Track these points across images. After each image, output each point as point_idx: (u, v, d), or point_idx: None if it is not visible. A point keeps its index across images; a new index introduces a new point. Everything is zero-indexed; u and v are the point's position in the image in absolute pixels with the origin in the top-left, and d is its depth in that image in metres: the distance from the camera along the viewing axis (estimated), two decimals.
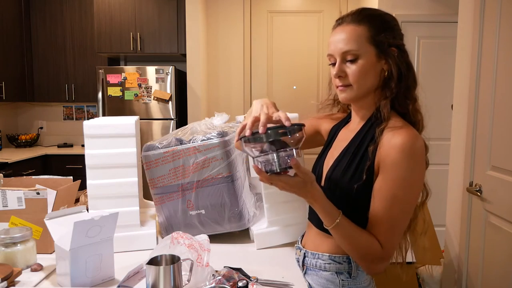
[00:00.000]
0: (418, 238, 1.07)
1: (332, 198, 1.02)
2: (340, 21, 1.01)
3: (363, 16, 0.98)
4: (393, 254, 0.97)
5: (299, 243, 1.17)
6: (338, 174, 1.02)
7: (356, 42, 0.96)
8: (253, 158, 0.93)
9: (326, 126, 1.20)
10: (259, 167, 0.89)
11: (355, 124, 1.08)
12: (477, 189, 1.85)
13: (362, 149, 0.99)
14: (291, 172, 0.90)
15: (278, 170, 0.88)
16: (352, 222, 0.95)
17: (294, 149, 0.90)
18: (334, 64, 1.01)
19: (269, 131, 0.88)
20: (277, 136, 0.88)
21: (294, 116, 1.43)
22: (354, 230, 0.95)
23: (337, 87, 1.02)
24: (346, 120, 1.15)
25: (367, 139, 1.00)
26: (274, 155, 0.88)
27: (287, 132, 0.89)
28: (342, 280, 1.03)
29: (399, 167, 0.91)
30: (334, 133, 1.15)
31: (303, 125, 0.92)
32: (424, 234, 1.07)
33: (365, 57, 0.97)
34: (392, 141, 0.93)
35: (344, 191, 1.00)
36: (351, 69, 0.98)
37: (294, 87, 4.30)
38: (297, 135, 0.90)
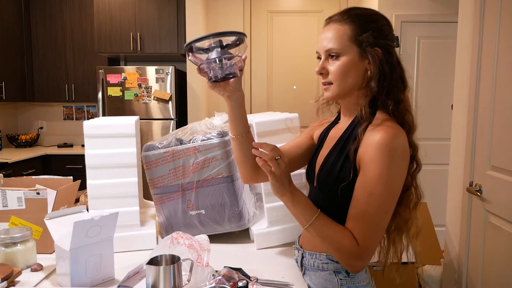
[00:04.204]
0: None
1: (322, 197, 1.03)
2: (328, 20, 1.03)
3: (348, 16, 1.00)
4: (373, 251, 0.94)
5: (297, 243, 1.17)
6: (326, 173, 1.03)
7: (338, 41, 0.98)
8: (198, 66, 1.03)
9: (317, 133, 1.21)
10: (208, 74, 1.01)
11: (343, 123, 1.09)
12: (477, 189, 1.85)
13: (345, 151, 1.00)
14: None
15: (222, 75, 1.00)
16: (327, 220, 0.95)
17: (237, 56, 1.02)
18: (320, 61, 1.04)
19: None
20: (215, 36, 1.00)
21: (294, 116, 1.43)
22: (328, 227, 0.94)
23: (322, 84, 1.04)
24: (336, 121, 1.16)
25: (351, 138, 1.00)
26: (217, 60, 0.99)
27: (224, 33, 1.00)
28: (340, 279, 1.03)
29: (375, 163, 0.91)
30: (324, 134, 1.16)
31: (243, 34, 1.03)
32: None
33: (347, 56, 0.98)
34: (371, 138, 0.93)
35: (331, 190, 1.00)
36: (332, 66, 1.00)
37: (294, 87, 4.30)
38: (235, 39, 1.03)
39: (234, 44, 1.06)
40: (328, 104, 1.16)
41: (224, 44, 1.03)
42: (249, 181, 1.23)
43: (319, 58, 1.04)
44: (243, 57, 1.04)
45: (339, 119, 1.14)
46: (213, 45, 1.01)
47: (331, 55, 0.99)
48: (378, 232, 0.94)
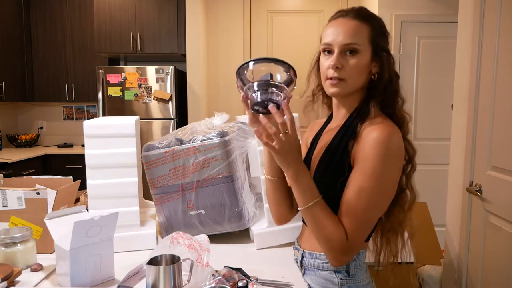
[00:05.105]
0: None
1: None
2: (344, 14, 1.00)
3: (366, 15, 1.00)
4: (359, 246, 0.95)
5: (296, 243, 1.17)
6: (323, 170, 1.03)
7: (358, 37, 0.97)
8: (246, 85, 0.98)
9: (311, 139, 1.18)
10: (253, 99, 0.95)
11: (338, 121, 1.08)
12: (477, 189, 1.85)
13: (343, 145, 1.00)
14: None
15: (265, 100, 0.95)
16: (325, 209, 0.95)
17: (285, 88, 0.98)
18: (327, 53, 1.01)
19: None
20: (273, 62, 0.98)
21: (294, 116, 1.43)
22: (324, 216, 0.94)
23: (329, 79, 1.00)
24: (327, 122, 1.15)
25: (347, 135, 1.01)
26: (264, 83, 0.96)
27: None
28: (341, 279, 1.03)
29: (370, 159, 0.92)
30: (316, 135, 1.15)
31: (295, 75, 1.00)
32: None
33: (364, 54, 0.98)
34: (369, 135, 0.94)
35: (329, 186, 1.00)
36: (349, 62, 0.98)
37: (294, 87, 4.30)
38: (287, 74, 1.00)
39: (284, 83, 1.00)
40: (313, 102, 1.14)
41: (274, 80, 0.97)
42: (282, 222, 1.19)
43: (326, 51, 1.01)
44: (288, 95, 0.98)
45: (331, 119, 1.14)
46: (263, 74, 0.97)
47: (350, 50, 0.97)
48: (367, 228, 0.95)
